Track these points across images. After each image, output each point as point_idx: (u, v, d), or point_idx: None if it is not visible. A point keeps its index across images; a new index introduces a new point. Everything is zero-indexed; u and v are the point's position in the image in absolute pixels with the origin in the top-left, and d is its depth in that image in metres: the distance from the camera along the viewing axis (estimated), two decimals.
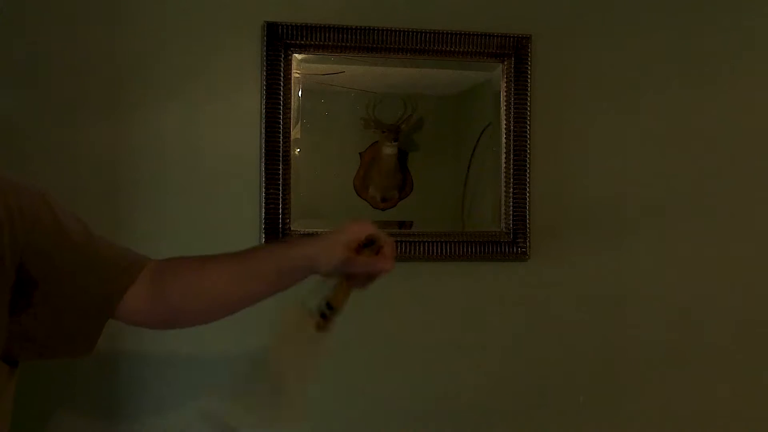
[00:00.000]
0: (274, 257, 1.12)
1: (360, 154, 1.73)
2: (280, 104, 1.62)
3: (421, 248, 1.70)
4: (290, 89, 1.63)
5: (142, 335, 1.46)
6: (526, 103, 1.73)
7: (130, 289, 1.05)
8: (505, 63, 1.73)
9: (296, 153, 1.65)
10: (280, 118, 1.63)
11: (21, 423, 1.11)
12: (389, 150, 1.72)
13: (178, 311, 1.09)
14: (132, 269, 1.07)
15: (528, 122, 1.73)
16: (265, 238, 1.62)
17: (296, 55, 1.64)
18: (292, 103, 1.64)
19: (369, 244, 1.08)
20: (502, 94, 1.74)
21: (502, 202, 1.74)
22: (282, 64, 1.63)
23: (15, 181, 1.00)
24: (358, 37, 1.66)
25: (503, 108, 1.74)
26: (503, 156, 1.74)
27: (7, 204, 0.95)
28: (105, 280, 1.04)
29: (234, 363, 1.60)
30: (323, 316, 1.06)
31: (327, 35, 1.65)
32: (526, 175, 1.74)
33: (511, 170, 1.73)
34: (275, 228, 1.62)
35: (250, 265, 1.11)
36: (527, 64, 1.74)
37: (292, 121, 1.64)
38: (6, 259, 0.95)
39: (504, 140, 1.73)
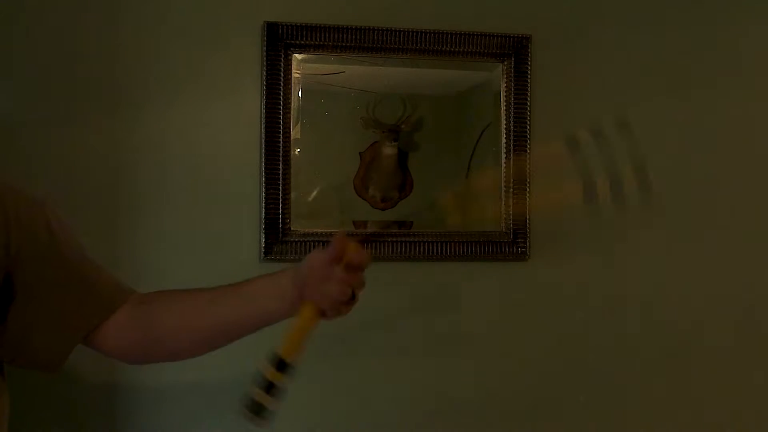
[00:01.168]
0: (268, 276, 1.03)
1: (360, 154, 1.73)
2: (280, 104, 1.62)
3: (421, 248, 1.70)
4: (290, 89, 1.63)
5: (139, 367, 1.45)
6: (526, 103, 1.73)
7: (112, 317, 1.02)
8: (505, 63, 1.73)
9: (296, 153, 1.65)
10: (280, 118, 1.63)
11: None
12: (389, 150, 1.71)
13: (162, 330, 1.04)
14: (117, 297, 1.04)
15: (528, 122, 1.73)
16: (265, 238, 1.62)
17: (296, 55, 1.64)
18: (292, 103, 1.64)
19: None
20: (502, 94, 1.74)
21: (502, 202, 1.74)
22: (282, 64, 1.62)
23: (15, 188, 0.98)
24: (358, 37, 1.66)
25: (503, 108, 1.74)
26: (503, 156, 1.74)
27: (4, 210, 0.95)
28: (87, 303, 1.02)
29: (231, 394, 1.59)
30: (269, 388, 0.94)
31: (327, 35, 1.65)
32: (526, 175, 1.74)
33: (511, 170, 1.73)
34: (275, 228, 1.62)
35: (247, 287, 1.03)
36: (527, 64, 1.74)
37: (292, 121, 1.64)
38: None
39: (504, 140, 1.73)
